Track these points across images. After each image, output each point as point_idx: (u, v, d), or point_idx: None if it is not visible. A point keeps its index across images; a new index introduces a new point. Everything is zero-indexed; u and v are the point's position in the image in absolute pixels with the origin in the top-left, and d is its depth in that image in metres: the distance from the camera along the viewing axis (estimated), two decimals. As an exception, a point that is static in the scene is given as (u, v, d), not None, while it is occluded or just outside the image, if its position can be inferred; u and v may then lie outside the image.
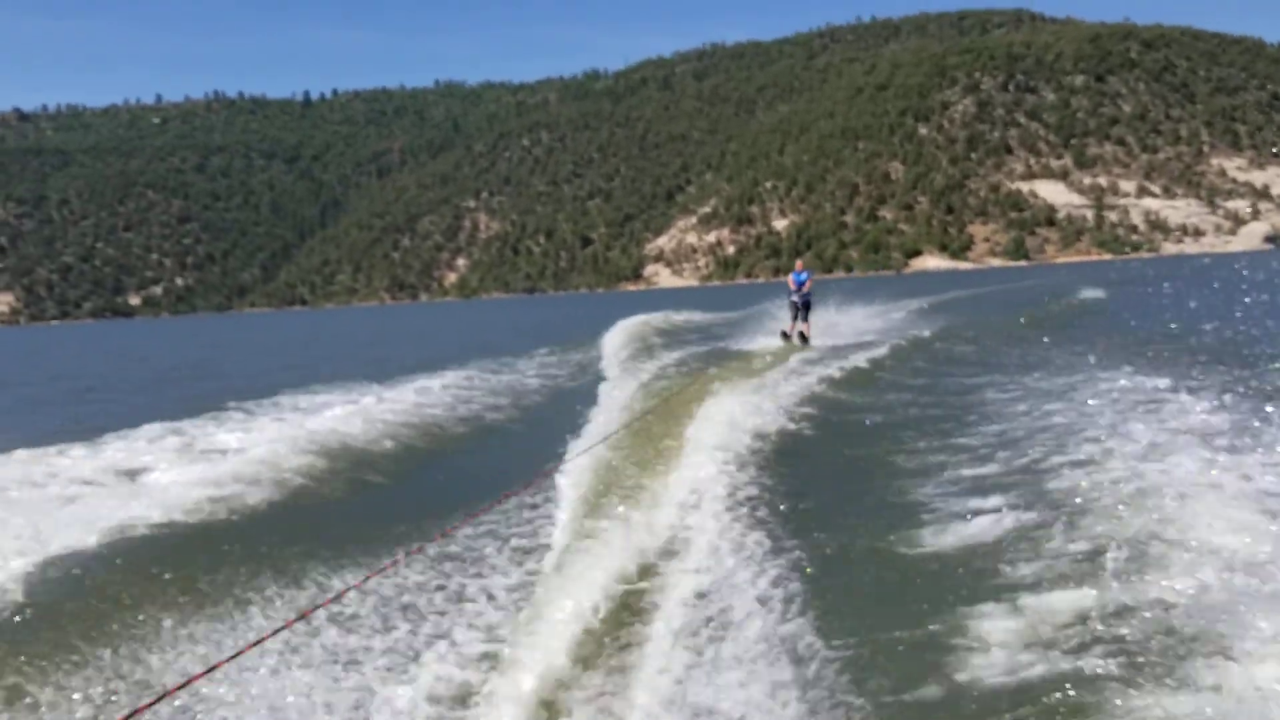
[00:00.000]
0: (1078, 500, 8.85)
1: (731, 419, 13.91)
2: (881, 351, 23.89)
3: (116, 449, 14.05)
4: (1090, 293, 51.14)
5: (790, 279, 29.46)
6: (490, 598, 8.03)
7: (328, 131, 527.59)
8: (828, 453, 13.06)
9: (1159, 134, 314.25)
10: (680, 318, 44.85)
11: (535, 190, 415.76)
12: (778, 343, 28.57)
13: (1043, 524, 8.40)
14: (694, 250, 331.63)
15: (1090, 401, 13.93)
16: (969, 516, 9.00)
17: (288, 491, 11.72)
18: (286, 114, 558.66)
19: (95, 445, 14.11)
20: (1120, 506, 8.37)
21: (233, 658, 6.03)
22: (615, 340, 32.97)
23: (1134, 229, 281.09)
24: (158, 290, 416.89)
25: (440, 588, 8.30)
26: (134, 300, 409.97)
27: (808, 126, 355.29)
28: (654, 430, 14.24)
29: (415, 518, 10.44)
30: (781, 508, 9.92)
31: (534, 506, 10.78)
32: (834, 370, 20.38)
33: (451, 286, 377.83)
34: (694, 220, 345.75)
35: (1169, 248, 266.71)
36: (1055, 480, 9.78)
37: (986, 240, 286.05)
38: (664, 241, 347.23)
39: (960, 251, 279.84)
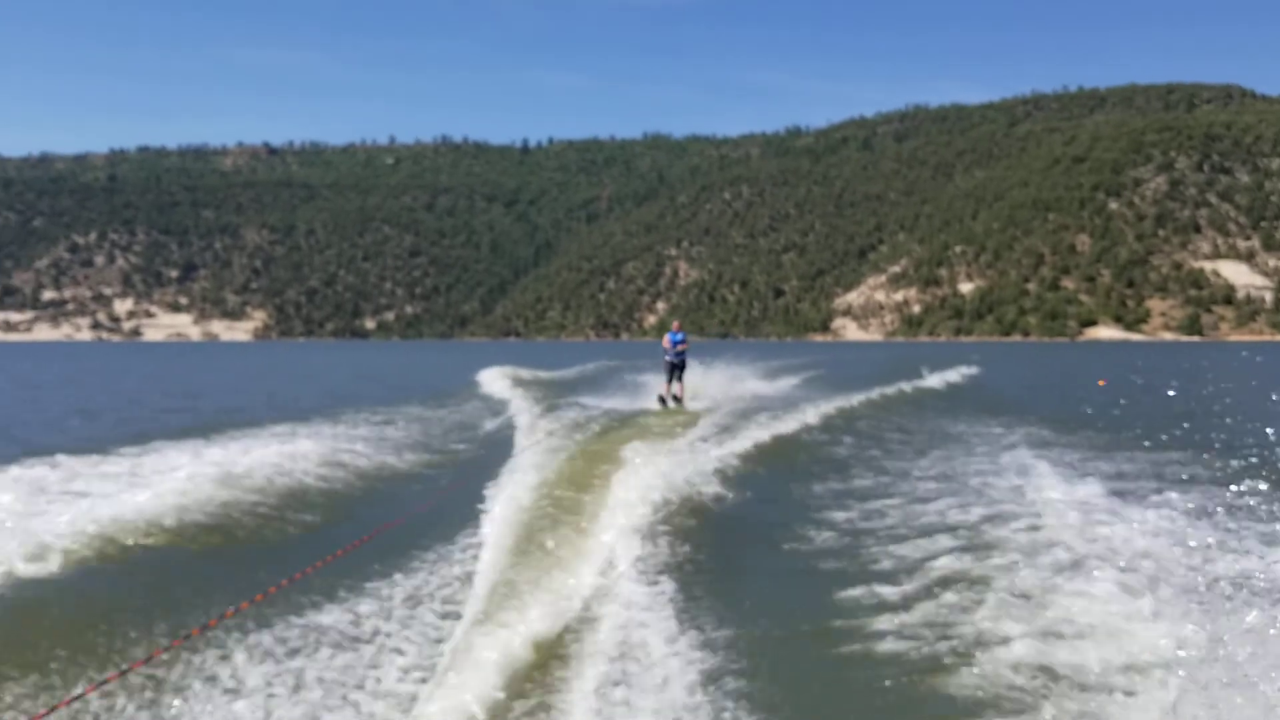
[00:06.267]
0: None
1: (646, 482, 13.75)
2: (782, 421, 23.29)
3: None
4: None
5: (666, 339, 28.46)
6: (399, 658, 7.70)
7: (543, 178, 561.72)
8: (744, 514, 13.42)
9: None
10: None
11: (733, 241, 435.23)
12: (667, 403, 27.78)
13: (967, 588, 8.94)
14: (881, 307, 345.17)
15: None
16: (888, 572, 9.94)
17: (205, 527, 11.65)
18: (506, 160, 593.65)
19: None
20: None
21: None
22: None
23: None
24: (390, 316, 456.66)
25: (343, 644, 7.90)
26: (369, 324, 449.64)
27: (1002, 194, 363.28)
28: (568, 487, 13.96)
29: (279, 561, 10.11)
30: (701, 574, 10.00)
31: (449, 555, 10.56)
32: (739, 433, 20.55)
33: (651, 328, 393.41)
34: (883, 278, 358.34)
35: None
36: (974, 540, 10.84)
37: (1163, 315, 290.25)
38: (853, 297, 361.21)
39: (1135, 324, 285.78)
